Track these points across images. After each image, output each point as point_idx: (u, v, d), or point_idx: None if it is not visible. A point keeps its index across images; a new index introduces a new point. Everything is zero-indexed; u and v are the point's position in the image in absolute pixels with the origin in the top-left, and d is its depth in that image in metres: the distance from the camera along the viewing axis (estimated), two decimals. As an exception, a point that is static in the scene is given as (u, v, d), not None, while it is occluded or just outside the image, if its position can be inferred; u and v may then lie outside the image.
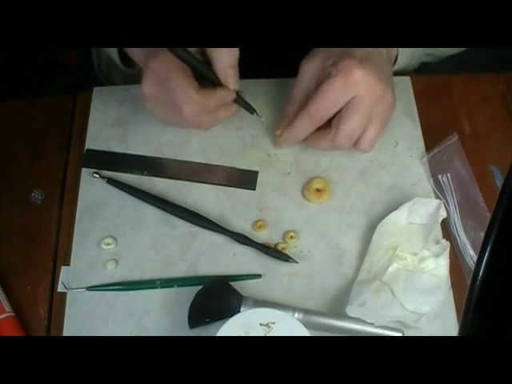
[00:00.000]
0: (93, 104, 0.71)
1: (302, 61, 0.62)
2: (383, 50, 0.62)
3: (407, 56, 0.65)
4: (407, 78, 0.70)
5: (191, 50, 0.59)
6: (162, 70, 0.58)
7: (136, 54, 0.63)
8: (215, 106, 0.61)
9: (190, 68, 0.59)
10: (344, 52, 0.58)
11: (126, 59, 0.66)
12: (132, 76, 0.67)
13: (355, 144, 0.61)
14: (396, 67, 0.65)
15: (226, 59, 0.59)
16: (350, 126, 0.59)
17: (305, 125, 0.61)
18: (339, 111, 0.59)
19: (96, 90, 0.72)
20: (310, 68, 0.61)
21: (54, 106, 0.73)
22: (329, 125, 0.61)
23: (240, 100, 0.63)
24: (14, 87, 0.97)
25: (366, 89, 0.57)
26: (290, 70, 0.69)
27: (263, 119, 0.66)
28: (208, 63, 0.60)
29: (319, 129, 0.62)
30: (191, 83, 0.58)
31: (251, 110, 0.65)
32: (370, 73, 0.57)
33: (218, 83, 0.61)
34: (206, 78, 0.60)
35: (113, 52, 0.65)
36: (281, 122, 0.65)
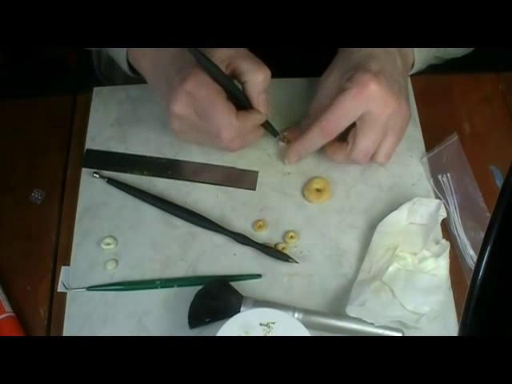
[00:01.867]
0: (93, 104, 0.71)
1: (321, 78, 0.63)
2: (398, 61, 0.61)
3: (422, 61, 0.65)
4: (407, 78, 0.70)
5: (224, 69, 0.58)
6: (200, 93, 0.56)
7: (144, 66, 0.62)
8: (249, 130, 0.61)
9: (225, 90, 0.58)
10: (359, 65, 0.58)
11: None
12: (132, 77, 0.67)
13: (372, 158, 0.61)
14: (410, 72, 0.65)
15: (260, 83, 0.59)
16: (365, 142, 0.59)
17: (316, 137, 0.60)
18: (354, 126, 0.59)
19: (96, 90, 0.72)
20: (327, 85, 0.61)
21: (54, 106, 0.73)
22: (346, 139, 0.60)
23: (266, 123, 0.63)
24: (14, 87, 0.97)
25: (381, 103, 0.57)
26: (289, 70, 0.69)
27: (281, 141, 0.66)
28: (233, 81, 0.60)
29: (336, 142, 0.61)
30: (231, 109, 0.58)
31: (275, 134, 0.65)
32: (385, 86, 0.56)
33: (248, 106, 0.60)
34: (237, 100, 0.59)
35: (120, 59, 0.64)
36: (292, 128, 0.65)
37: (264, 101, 0.60)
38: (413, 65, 0.65)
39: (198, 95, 0.56)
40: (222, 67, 0.58)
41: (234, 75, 0.60)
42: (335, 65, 0.62)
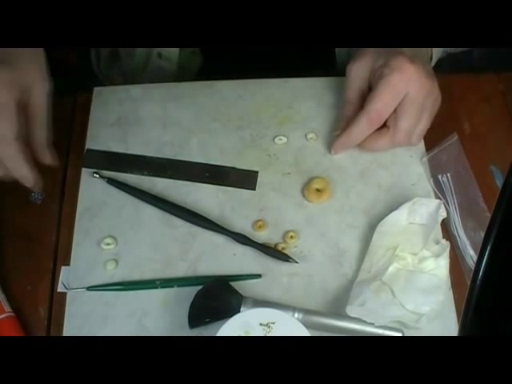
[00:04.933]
0: (93, 104, 0.71)
1: (348, 64, 0.63)
2: (423, 49, 0.63)
3: (437, 55, 0.67)
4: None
5: None
6: None
7: None
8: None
9: None
10: (393, 51, 0.60)
11: None
12: (132, 76, 0.67)
13: None
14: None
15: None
16: (407, 123, 0.60)
17: (364, 127, 0.61)
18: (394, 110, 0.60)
19: (96, 90, 0.72)
20: (359, 69, 0.62)
21: (54, 105, 0.72)
22: (383, 125, 0.62)
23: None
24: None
25: (418, 84, 0.59)
26: (287, 70, 0.69)
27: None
28: None
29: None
30: None
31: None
32: (420, 69, 0.59)
33: None
34: None
35: None
36: (338, 123, 0.65)
37: None
38: (431, 57, 0.66)
39: None
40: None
41: None
42: (363, 50, 0.63)
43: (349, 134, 0.62)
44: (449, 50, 0.70)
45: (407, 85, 0.58)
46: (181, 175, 0.66)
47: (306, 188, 0.64)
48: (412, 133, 0.61)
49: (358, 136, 0.62)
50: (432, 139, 0.66)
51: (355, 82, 0.63)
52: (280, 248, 0.60)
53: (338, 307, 0.56)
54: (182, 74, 0.78)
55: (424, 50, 0.63)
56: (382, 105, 0.59)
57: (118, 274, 0.60)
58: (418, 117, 0.61)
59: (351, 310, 0.54)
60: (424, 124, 0.62)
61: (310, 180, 0.64)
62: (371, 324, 0.54)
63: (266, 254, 0.60)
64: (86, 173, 0.66)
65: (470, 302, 0.32)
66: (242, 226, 0.62)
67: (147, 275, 0.60)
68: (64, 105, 0.72)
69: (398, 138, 0.61)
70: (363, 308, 0.54)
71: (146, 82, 0.73)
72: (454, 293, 0.57)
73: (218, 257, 0.60)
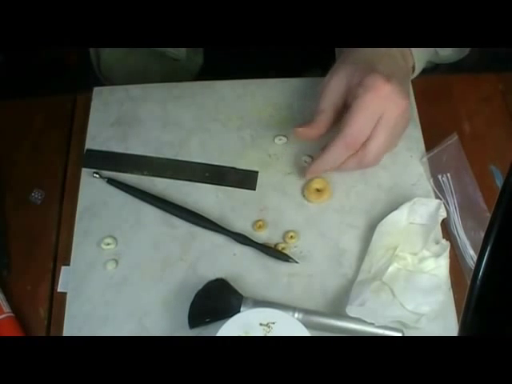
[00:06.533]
0: (93, 104, 0.71)
1: (325, 77, 0.61)
2: (401, 62, 0.61)
3: (420, 66, 0.65)
4: (409, 81, 0.69)
5: None
6: None
7: None
8: None
9: None
10: (369, 68, 0.57)
11: None
12: (132, 76, 0.67)
13: None
14: (412, 76, 0.65)
15: None
16: (377, 144, 0.58)
17: (341, 152, 0.59)
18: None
19: (96, 90, 0.72)
20: (335, 83, 0.60)
21: (54, 105, 0.73)
22: None
23: None
24: (14, 87, 0.97)
25: (393, 105, 0.56)
26: (287, 70, 0.69)
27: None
28: None
29: None
30: None
31: None
32: (396, 89, 0.56)
33: None
34: None
35: None
36: (304, 123, 0.62)
37: None
38: (413, 68, 0.64)
39: None
40: None
41: None
42: (340, 64, 0.61)
43: (325, 159, 0.60)
44: (438, 60, 0.70)
45: (382, 105, 0.56)
46: (181, 175, 0.66)
47: (306, 188, 0.64)
48: (381, 154, 0.59)
49: (335, 160, 0.60)
50: (432, 139, 0.66)
51: (331, 96, 0.60)
52: (280, 248, 0.60)
53: (337, 307, 0.56)
54: (183, 74, 0.78)
55: (403, 64, 0.61)
56: (358, 129, 0.57)
57: (118, 274, 0.60)
58: (388, 138, 0.58)
59: (351, 310, 0.54)
60: (391, 146, 0.60)
61: (310, 180, 0.64)
62: (371, 324, 0.54)
63: (266, 253, 0.60)
64: (85, 173, 0.66)
65: (470, 302, 0.32)
66: (241, 225, 0.62)
67: (147, 275, 0.60)
68: (64, 105, 0.73)
69: (368, 159, 0.59)
70: (363, 308, 0.54)
71: (146, 82, 0.73)
72: (454, 293, 0.57)
73: (218, 257, 0.60)
